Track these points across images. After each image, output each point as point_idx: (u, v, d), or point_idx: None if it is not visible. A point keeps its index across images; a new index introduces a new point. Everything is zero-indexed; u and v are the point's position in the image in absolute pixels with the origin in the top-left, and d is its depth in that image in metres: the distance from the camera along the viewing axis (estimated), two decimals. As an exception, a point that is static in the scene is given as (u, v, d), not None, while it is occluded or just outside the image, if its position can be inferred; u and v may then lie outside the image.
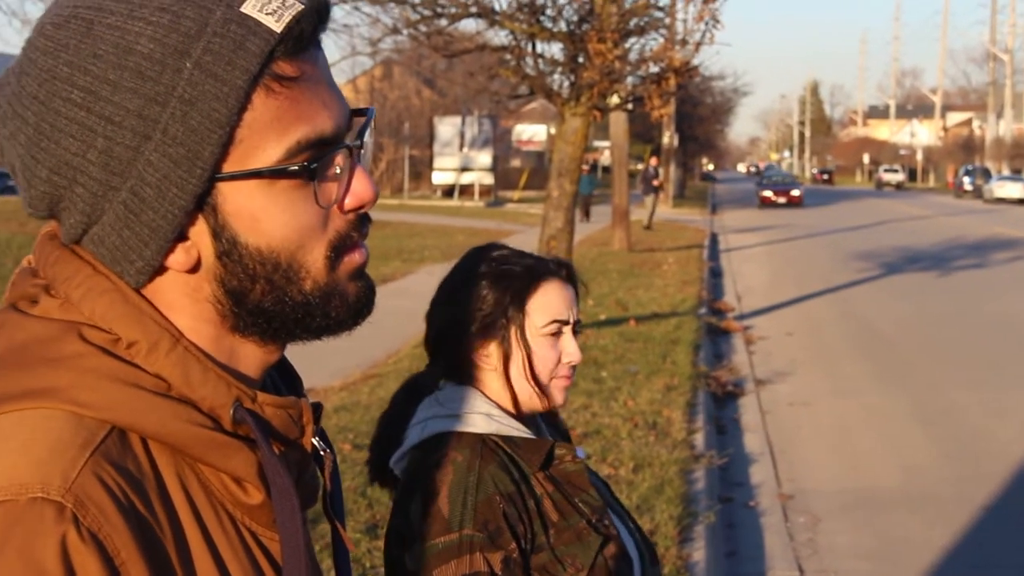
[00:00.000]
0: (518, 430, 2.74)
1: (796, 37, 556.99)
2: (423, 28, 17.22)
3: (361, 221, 1.45)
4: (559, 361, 2.78)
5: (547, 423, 3.00)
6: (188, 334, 1.39)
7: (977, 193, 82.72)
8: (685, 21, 17.26)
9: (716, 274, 29.09)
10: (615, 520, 2.81)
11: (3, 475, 1.22)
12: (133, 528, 1.25)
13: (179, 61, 1.30)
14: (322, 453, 1.55)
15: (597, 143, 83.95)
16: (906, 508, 9.71)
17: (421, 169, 72.78)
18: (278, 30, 1.33)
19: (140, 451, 1.32)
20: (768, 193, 70.38)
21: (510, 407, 2.77)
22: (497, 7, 16.42)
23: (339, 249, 1.42)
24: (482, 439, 2.69)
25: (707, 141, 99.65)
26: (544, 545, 2.61)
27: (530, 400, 2.78)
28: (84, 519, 1.21)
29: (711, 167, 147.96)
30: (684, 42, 16.50)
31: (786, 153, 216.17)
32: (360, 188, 1.43)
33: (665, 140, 62.60)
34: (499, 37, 17.84)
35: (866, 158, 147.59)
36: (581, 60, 15.98)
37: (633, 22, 16.35)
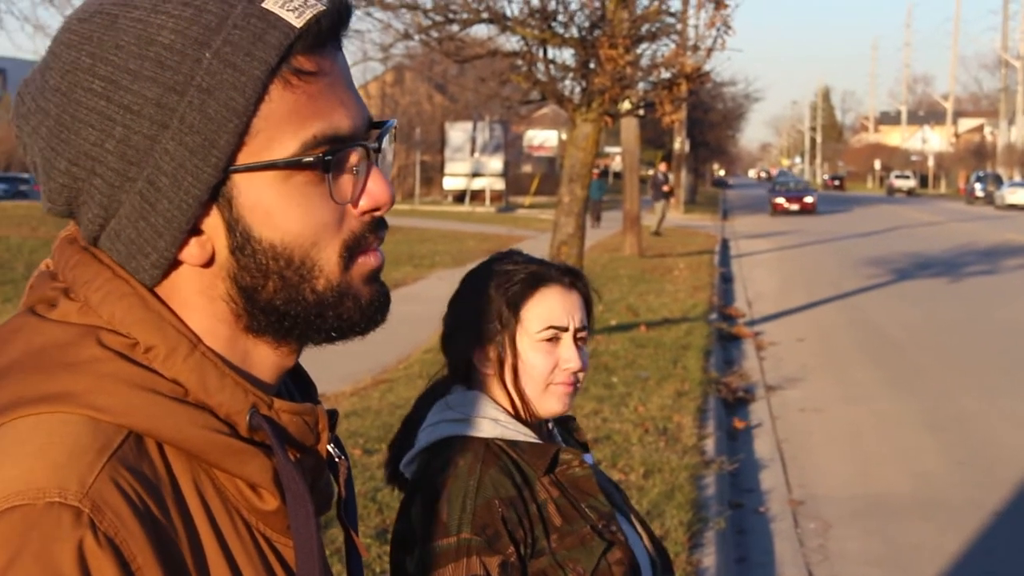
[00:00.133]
0: (524, 435, 2.74)
1: (807, 43, 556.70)
2: (435, 33, 17.22)
3: (377, 225, 1.46)
4: (555, 368, 2.78)
5: (563, 430, 3.01)
6: (204, 335, 1.40)
7: (988, 199, 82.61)
8: (697, 27, 17.24)
9: (727, 280, 29.07)
10: (625, 526, 2.82)
11: (21, 479, 1.23)
12: (149, 533, 1.25)
13: (199, 51, 1.32)
14: (337, 460, 1.55)
15: (608, 149, 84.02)
16: (917, 515, 9.70)
17: (432, 174, 72.86)
18: (298, 25, 1.35)
19: (156, 456, 1.32)
20: (781, 200, 68.81)
21: (521, 412, 2.78)
22: (509, 13, 16.41)
23: (353, 249, 1.43)
24: (486, 443, 2.70)
25: (718, 147, 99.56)
26: (545, 550, 2.61)
27: (528, 405, 2.78)
28: (101, 524, 1.22)
29: (722, 172, 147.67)
30: (696, 48, 16.47)
31: (797, 159, 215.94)
32: (376, 189, 1.44)
33: (676, 146, 62.57)
34: (511, 43, 17.85)
35: (877, 164, 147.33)
36: (592, 66, 15.97)
37: (645, 28, 16.35)
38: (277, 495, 1.40)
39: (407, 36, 18.22)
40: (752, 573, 8.45)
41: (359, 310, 1.45)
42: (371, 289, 1.46)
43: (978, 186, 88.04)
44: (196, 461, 1.36)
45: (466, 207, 64.48)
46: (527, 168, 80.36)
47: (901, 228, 52.28)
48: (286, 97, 1.35)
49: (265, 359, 1.46)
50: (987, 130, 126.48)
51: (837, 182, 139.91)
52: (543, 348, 2.77)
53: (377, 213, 1.45)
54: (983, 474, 10.92)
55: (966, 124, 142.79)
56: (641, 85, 17.18)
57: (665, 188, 44.81)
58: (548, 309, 2.78)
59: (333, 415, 1.51)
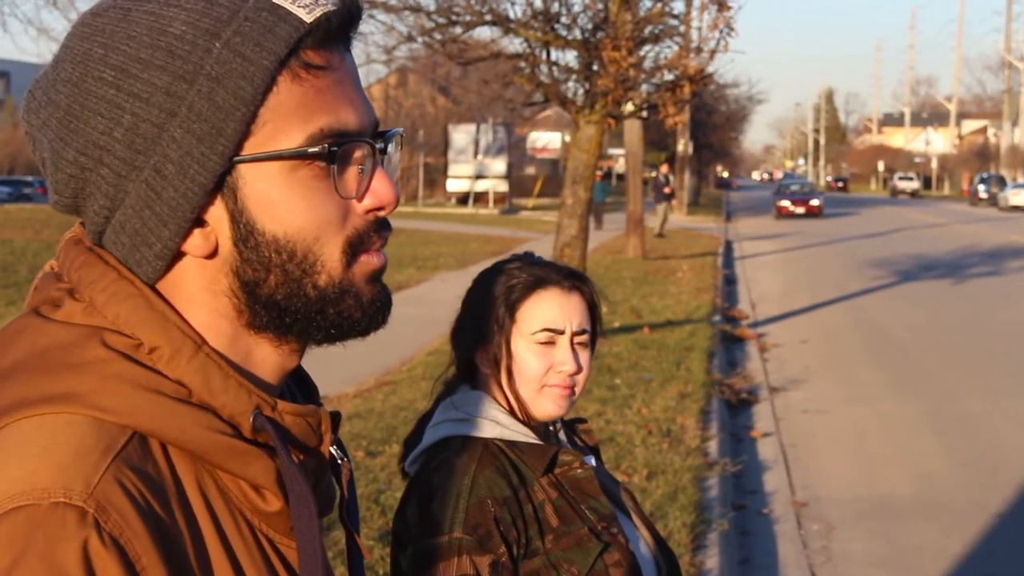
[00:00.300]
0: (524, 435, 2.75)
1: (811, 45, 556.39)
2: (438, 36, 17.22)
3: (381, 225, 1.47)
4: (550, 370, 2.78)
5: (570, 432, 3.01)
6: (206, 331, 1.41)
7: (992, 201, 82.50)
8: (700, 29, 17.23)
9: (730, 281, 29.07)
10: (629, 528, 2.82)
11: (25, 480, 1.23)
12: (153, 533, 1.25)
13: (209, 42, 1.34)
14: (339, 462, 1.55)
15: (612, 151, 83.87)
16: (921, 516, 9.70)
17: (435, 176, 72.86)
18: (308, 20, 1.36)
19: (160, 457, 1.33)
20: (786, 203, 67.07)
21: (517, 413, 2.79)
22: (512, 15, 16.42)
23: (356, 247, 1.43)
24: (485, 443, 2.71)
25: (722, 149, 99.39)
26: (539, 550, 2.61)
27: (524, 407, 2.79)
28: (106, 524, 1.22)
29: (725, 174, 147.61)
30: (699, 50, 16.47)
31: (801, 161, 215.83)
32: (381, 188, 1.45)
33: (680, 148, 62.58)
34: (514, 45, 17.88)
35: (881, 166, 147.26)
36: (595, 68, 15.98)
37: (648, 30, 16.35)
38: (280, 496, 1.40)
39: (410, 38, 18.22)
40: (755, 575, 8.45)
41: (360, 308, 1.45)
42: (373, 289, 1.46)
43: (982, 188, 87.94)
44: (200, 462, 1.37)
45: (469, 209, 64.48)
46: (530, 170, 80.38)
47: (905, 230, 52.25)
48: (294, 89, 1.37)
49: (267, 358, 1.46)
50: (991, 132, 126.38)
51: (841, 184, 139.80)
52: (538, 350, 2.78)
53: (381, 213, 1.46)
54: (987, 476, 10.91)
55: (969, 126, 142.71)
56: (644, 87, 17.20)
57: (666, 190, 44.80)
58: (544, 311, 2.79)
59: (336, 417, 1.51)
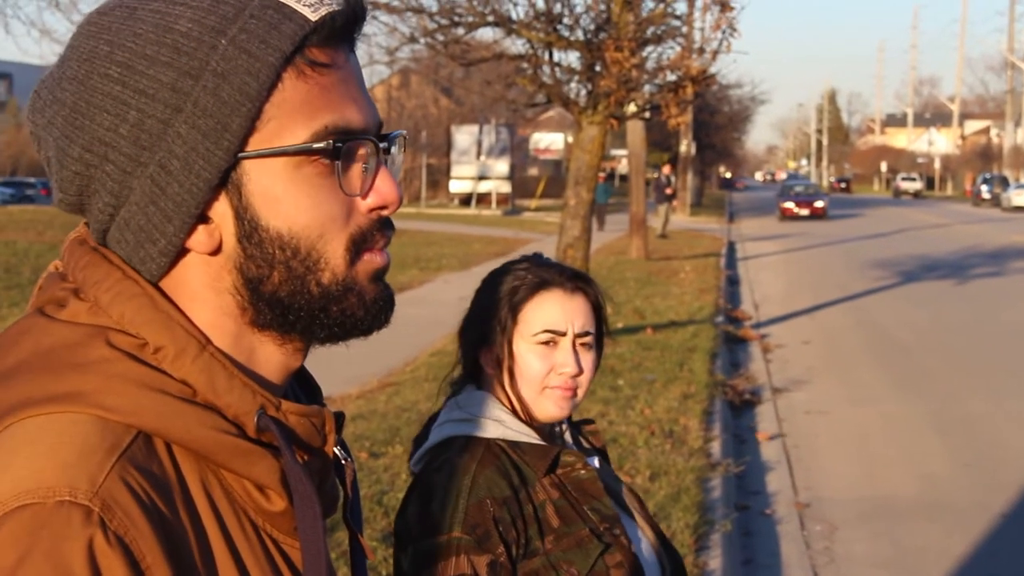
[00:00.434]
0: (527, 436, 2.75)
1: (814, 46, 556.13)
2: (440, 37, 17.22)
3: (384, 224, 1.47)
4: (551, 371, 2.79)
5: (578, 433, 3.01)
6: (210, 329, 1.41)
7: (995, 201, 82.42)
8: (702, 29, 17.23)
9: (733, 282, 29.07)
10: (633, 530, 2.82)
11: (31, 478, 1.23)
12: (158, 532, 1.26)
13: (215, 38, 1.35)
14: (343, 462, 1.56)
15: (614, 151, 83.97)
16: (923, 517, 9.70)
17: (438, 178, 72.90)
18: (313, 19, 1.38)
19: (165, 456, 1.33)
20: (790, 204, 65.75)
21: (520, 413, 2.79)
22: (514, 16, 16.42)
23: (359, 245, 1.44)
24: (487, 444, 2.72)
25: (724, 149, 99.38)
26: (539, 550, 2.61)
27: (526, 408, 2.79)
28: (111, 523, 1.23)
29: (728, 175, 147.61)
30: (701, 50, 16.46)
31: (803, 161, 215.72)
32: (384, 187, 1.45)
33: (682, 148, 62.54)
34: (516, 46, 17.86)
35: (884, 166, 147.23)
36: (598, 69, 15.97)
37: (650, 31, 16.34)
38: (284, 496, 1.40)
39: (413, 40, 18.21)
40: (758, 575, 8.45)
41: (363, 307, 1.46)
42: (376, 288, 1.47)
43: (984, 188, 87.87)
44: (204, 461, 1.37)
45: (472, 210, 64.50)
46: (533, 171, 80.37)
47: (907, 230, 52.24)
48: (299, 87, 1.38)
49: (271, 357, 1.47)
50: (993, 132, 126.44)
51: (843, 184, 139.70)
52: (539, 351, 2.78)
53: (384, 212, 1.47)
54: (989, 476, 10.91)
55: (972, 126, 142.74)
56: (647, 88, 17.19)
57: (668, 191, 44.80)
58: (545, 313, 2.79)
59: (340, 417, 1.51)
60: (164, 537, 1.27)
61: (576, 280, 2.86)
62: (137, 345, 1.36)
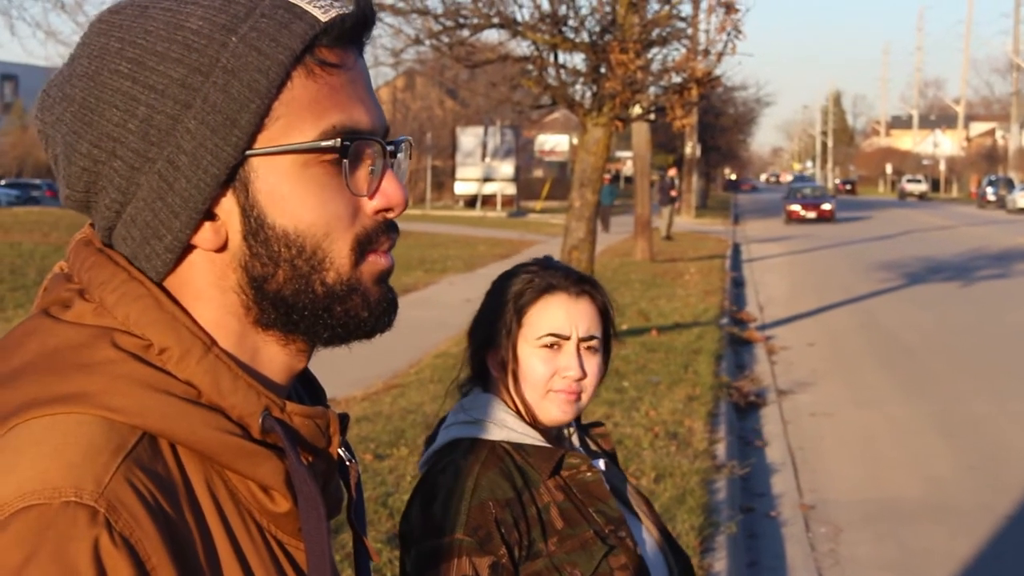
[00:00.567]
0: (532, 438, 2.75)
1: (818, 47, 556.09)
2: (445, 39, 17.23)
3: (389, 226, 1.48)
4: (555, 375, 2.79)
5: (586, 436, 3.01)
6: (215, 328, 1.42)
7: (1000, 203, 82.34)
8: (707, 31, 17.22)
9: (738, 284, 29.07)
10: (640, 532, 2.83)
11: (36, 479, 1.24)
12: (163, 533, 1.26)
13: (225, 36, 1.36)
14: (347, 463, 1.56)
15: (619, 153, 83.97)
16: (928, 519, 9.70)
17: (443, 179, 72.94)
18: (324, 20, 1.39)
19: (170, 457, 1.34)
20: (796, 207, 64.05)
21: (525, 416, 2.79)
22: (519, 18, 16.43)
23: (364, 246, 1.44)
24: (491, 446, 2.72)
25: (729, 151, 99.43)
26: (542, 552, 2.62)
27: (531, 411, 2.80)
28: (116, 524, 1.23)
29: (733, 177, 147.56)
30: (706, 52, 16.47)
31: (809, 163, 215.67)
32: (390, 189, 1.46)
33: (687, 150, 62.52)
34: (521, 48, 17.90)
35: (889, 168, 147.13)
36: (603, 70, 15.98)
37: (655, 32, 16.36)
38: (289, 497, 1.41)
39: (418, 41, 18.24)
40: (763, 577, 8.46)
41: (367, 308, 1.46)
42: (380, 290, 1.47)
43: (990, 190, 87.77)
44: (209, 462, 1.37)
45: (477, 212, 64.54)
46: (538, 173, 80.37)
47: (912, 232, 52.18)
48: (308, 86, 1.39)
49: (275, 357, 1.47)
50: (999, 134, 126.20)
51: (849, 186, 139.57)
52: (542, 355, 2.78)
53: (390, 214, 1.47)
54: (994, 478, 10.91)
55: (978, 128, 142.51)
56: (652, 89, 17.20)
57: (672, 192, 44.82)
58: (549, 316, 2.79)
59: (344, 419, 1.51)
60: (169, 538, 1.27)
61: (582, 284, 2.86)
62: (142, 346, 1.37)
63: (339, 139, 1.39)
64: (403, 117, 73.82)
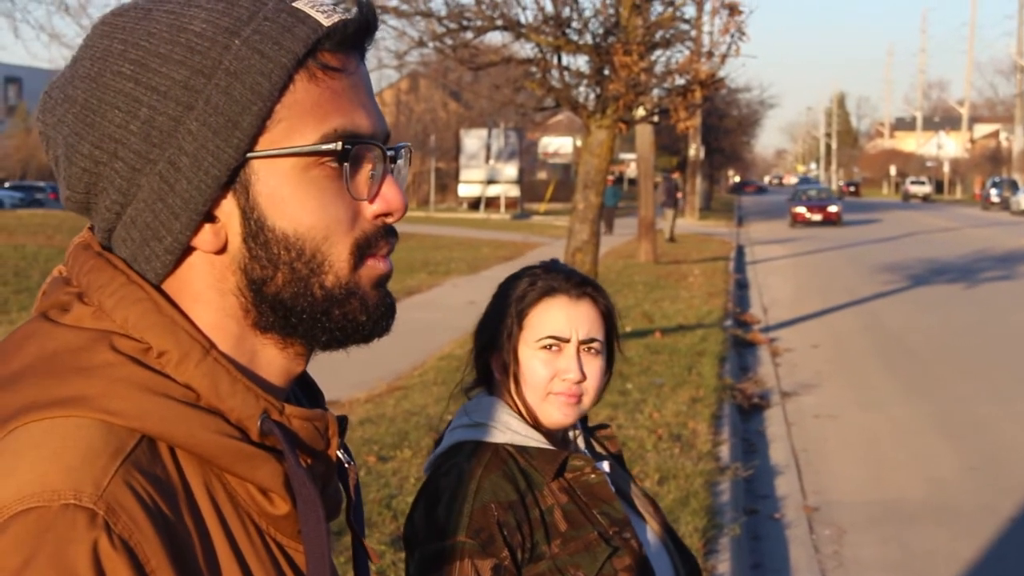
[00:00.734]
0: (535, 441, 2.76)
1: (822, 49, 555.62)
2: (449, 41, 17.24)
3: (388, 232, 1.48)
4: (554, 377, 2.79)
5: (592, 438, 3.01)
6: (213, 330, 1.42)
7: (1004, 205, 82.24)
8: (711, 33, 17.25)
9: (742, 286, 29.05)
10: (645, 534, 2.83)
11: (35, 482, 1.24)
12: (163, 536, 1.26)
13: (229, 39, 1.37)
14: (346, 466, 1.56)
15: (623, 155, 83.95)
16: (932, 521, 9.70)
17: (447, 181, 72.99)
18: (326, 24, 1.40)
19: (169, 460, 1.34)
20: (801, 210, 62.77)
21: (527, 418, 2.80)
22: (523, 20, 16.43)
23: (364, 250, 1.45)
24: (495, 449, 2.72)
25: (733, 153, 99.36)
26: (545, 554, 2.62)
27: (532, 413, 2.80)
28: (115, 526, 1.23)
29: (737, 179, 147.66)
30: (710, 54, 16.47)
31: (812, 165, 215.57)
32: (390, 194, 1.46)
33: (691, 152, 62.52)
34: (525, 50, 17.88)
35: (893, 170, 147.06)
36: (607, 72, 15.98)
37: (659, 34, 16.35)
38: (288, 500, 1.41)
39: (421, 43, 18.25)
40: (766, 579, 8.45)
41: (365, 312, 1.46)
42: (378, 294, 1.48)
43: (994, 192, 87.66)
44: (208, 465, 1.37)
45: (481, 214, 64.59)
46: (542, 175, 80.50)
47: (916, 234, 52.14)
48: (310, 90, 1.39)
49: (273, 360, 1.47)
50: (1003, 136, 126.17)
51: (852, 188, 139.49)
52: (542, 357, 2.79)
53: (389, 219, 1.47)
54: (997, 480, 10.90)
55: (981, 130, 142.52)
56: (655, 91, 17.20)
57: (677, 195, 44.85)
58: (550, 319, 2.80)
59: (343, 421, 1.52)
60: (168, 540, 1.27)
61: (583, 287, 2.86)
62: (141, 349, 1.37)
63: (340, 143, 1.40)
64: (407, 119, 73.90)
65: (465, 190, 69.30)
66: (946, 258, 36.65)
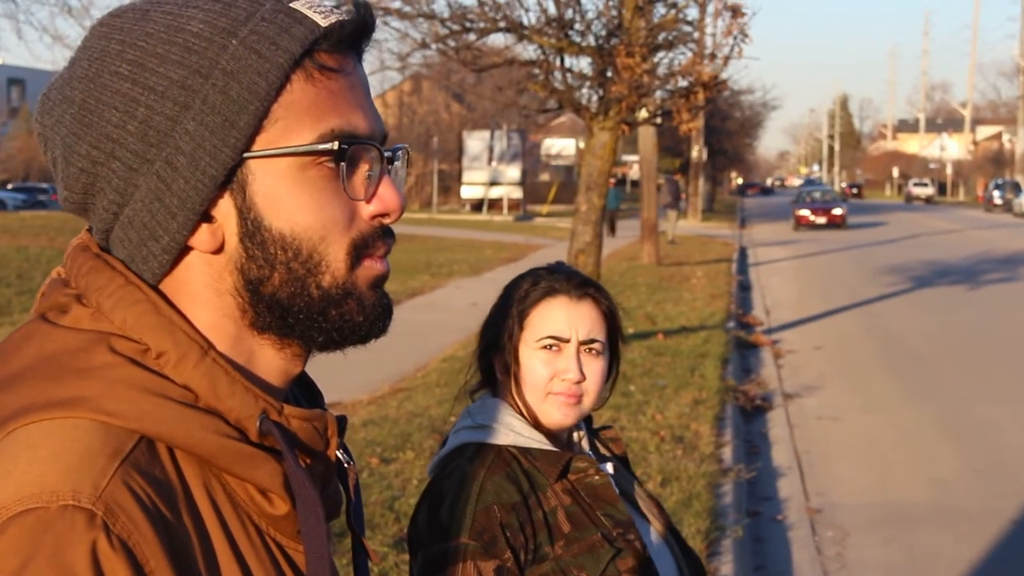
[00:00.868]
0: (538, 442, 2.76)
1: (825, 51, 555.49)
2: (452, 43, 17.25)
3: (385, 232, 1.48)
4: (554, 377, 2.79)
5: (597, 440, 3.01)
6: (211, 330, 1.42)
7: (1007, 207, 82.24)
8: (714, 35, 17.23)
9: (745, 288, 29.05)
10: (650, 535, 2.83)
11: (34, 483, 1.24)
12: (162, 536, 1.26)
13: (226, 39, 1.37)
14: (345, 466, 1.56)
15: (626, 157, 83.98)
16: (934, 523, 9.69)
17: (450, 183, 73.04)
18: (324, 24, 1.40)
19: (168, 461, 1.34)
20: (805, 212, 60.92)
21: (529, 419, 2.80)
22: (526, 22, 16.43)
23: (360, 250, 1.45)
24: (498, 450, 2.72)
25: (736, 155, 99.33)
26: (548, 556, 2.62)
27: (533, 414, 2.80)
28: (114, 527, 1.23)
29: (740, 180, 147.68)
30: (713, 56, 16.47)
31: (815, 167, 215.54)
32: (387, 195, 1.46)
33: (694, 154, 62.52)
34: (528, 52, 17.87)
35: (895, 172, 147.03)
36: (609, 74, 15.98)
37: (661, 36, 16.35)
38: (287, 500, 1.41)
39: (424, 45, 18.25)
40: (769, 581, 8.45)
41: (362, 312, 1.46)
42: (375, 295, 1.47)
43: (996, 194, 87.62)
44: (207, 466, 1.37)
45: (484, 216, 64.60)
46: (545, 177, 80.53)
47: (919, 236, 52.13)
48: (307, 90, 1.39)
49: (271, 361, 1.47)
50: (1005, 138, 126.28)
51: (855, 190, 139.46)
52: (542, 357, 2.79)
53: (386, 220, 1.47)
54: (1000, 482, 10.90)
55: (984, 132, 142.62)
56: (658, 93, 17.21)
57: (682, 196, 44.89)
58: (551, 319, 2.80)
59: (342, 421, 1.52)
60: (167, 541, 1.27)
61: (584, 288, 2.86)
62: (139, 350, 1.37)
63: (337, 142, 1.40)
64: (410, 121, 73.96)
65: (468, 192, 69.36)
66: (949, 260, 36.65)
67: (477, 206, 68.85)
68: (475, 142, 67.89)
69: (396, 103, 77.16)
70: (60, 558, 1.20)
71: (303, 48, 1.38)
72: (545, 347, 2.79)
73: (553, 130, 78.28)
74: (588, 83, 16.74)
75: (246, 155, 1.38)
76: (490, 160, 66.94)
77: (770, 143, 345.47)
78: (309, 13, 1.40)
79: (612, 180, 42.25)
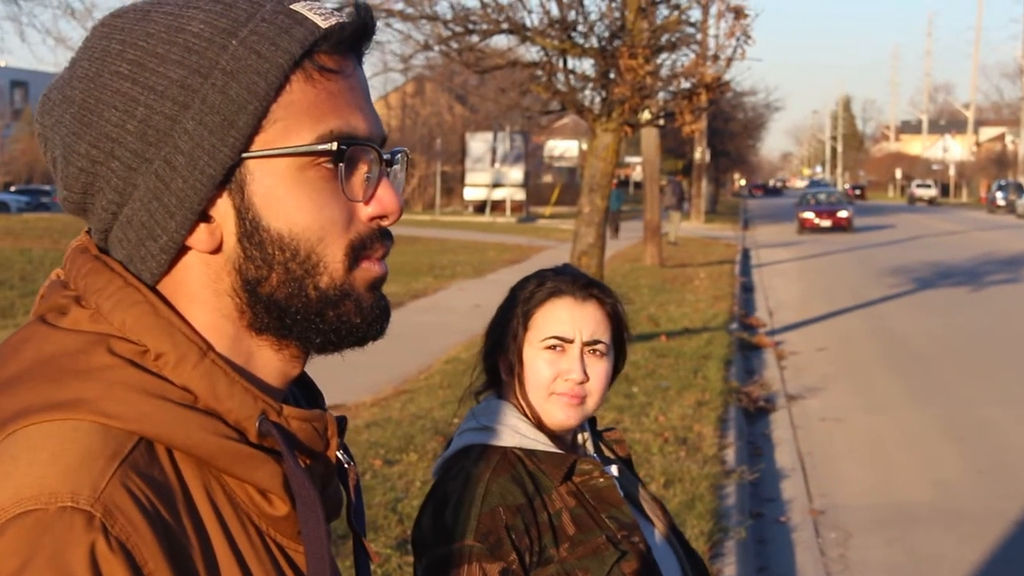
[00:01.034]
0: (543, 444, 2.75)
1: (828, 52, 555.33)
2: (454, 44, 17.25)
3: (383, 234, 1.48)
4: (557, 378, 2.79)
5: (601, 442, 3.01)
6: (209, 332, 1.42)
7: (1010, 208, 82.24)
8: (716, 37, 17.23)
9: (747, 289, 29.05)
10: (654, 537, 2.83)
11: (33, 484, 1.24)
12: (161, 538, 1.26)
13: (226, 39, 1.37)
14: (346, 466, 1.56)
15: (628, 159, 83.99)
16: (938, 524, 9.68)
17: (453, 185, 73.02)
18: (324, 26, 1.40)
19: (167, 462, 1.34)
20: (810, 215, 58.52)
21: (533, 420, 2.79)
22: (528, 23, 16.45)
23: (358, 252, 1.45)
24: (503, 452, 2.72)
25: (739, 156, 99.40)
26: (553, 558, 2.62)
27: (537, 415, 2.80)
28: (113, 528, 1.23)
29: (743, 182, 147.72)
30: (715, 57, 16.47)
31: (818, 168, 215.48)
32: (386, 196, 1.46)
33: (697, 155, 62.51)
34: (530, 53, 17.87)
35: (898, 173, 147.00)
36: (612, 76, 15.98)
37: (664, 38, 16.36)
38: (287, 501, 1.41)
39: (427, 47, 18.27)
40: (772, 583, 8.45)
41: (359, 314, 1.46)
42: (372, 297, 1.47)
43: (999, 195, 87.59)
44: (206, 467, 1.37)
45: (487, 217, 64.60)
46: (547, 178, 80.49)
47: (922, 237, 52.11)
48: (307, 90, 1.40)
49: (269, 362, 1.47)
50: (1008, 139, 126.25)
51: (858, 191, 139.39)
52: (546, 357, 2.79)
53: (385, 222, 1.47)
54: (1003, 483, 10.89)
55: (987, 133, 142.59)
56: (661, 95, 17.22)
57: (684, 198, 44.92)
58: (555, 320, 2.80)
59: (342, 421, 1.52)
60: (166, 543, 1.27)
61: (589, 288, 2.86)
62: (138, 352, 1.37)
63: (336, 143, 1.40)
64: (413, 123, 74.02)
65: (471, 193, 69.35)
66: (952, 261, 36.64)
67: (480, 208, 68.86)
68: (478, 144, 67.89)
69: (399, 105, 77.20)
70: (59, 559, 1.20)
71: (303, 49, 1.38)
72: (549, 347, 2.79)
73: (556, 132, 78.32)
74: (591, 85, 16.75)
75: (245, 155, 1.38)
76: (493, 162, 66.93)
77: (773, 144, 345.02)
78: (309, 15, 1.40)
79: (613, 182, 42.33)
